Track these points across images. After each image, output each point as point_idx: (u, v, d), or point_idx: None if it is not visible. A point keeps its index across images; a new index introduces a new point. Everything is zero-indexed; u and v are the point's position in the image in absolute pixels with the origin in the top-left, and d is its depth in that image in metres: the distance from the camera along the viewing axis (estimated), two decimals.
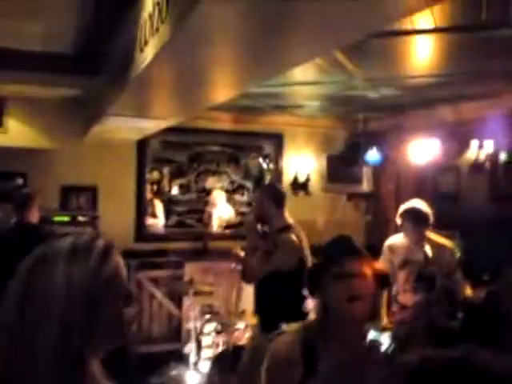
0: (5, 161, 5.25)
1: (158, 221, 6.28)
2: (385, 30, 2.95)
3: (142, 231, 6.05)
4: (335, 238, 1.82)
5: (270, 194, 3.50)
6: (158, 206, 6.30)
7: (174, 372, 4.70)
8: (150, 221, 6.21)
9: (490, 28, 3.00)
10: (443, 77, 4.09)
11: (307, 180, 6.54)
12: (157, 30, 2.38)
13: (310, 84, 4.33)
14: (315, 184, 6.63)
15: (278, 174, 6.61)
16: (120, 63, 3.32)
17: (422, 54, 3.52)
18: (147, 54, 2.58)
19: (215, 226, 6.22)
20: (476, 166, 5.16)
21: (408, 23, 2.96)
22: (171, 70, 2.55)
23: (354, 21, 1.83)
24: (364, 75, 3.99)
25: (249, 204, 6.54)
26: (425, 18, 2.91)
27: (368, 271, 1.69)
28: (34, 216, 4.25)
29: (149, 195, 6.26)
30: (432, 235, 4.03)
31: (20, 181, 5.47)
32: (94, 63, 4.22)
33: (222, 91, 2.96)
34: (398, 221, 4.04)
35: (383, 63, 3.80)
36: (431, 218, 3.96)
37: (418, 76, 4.10)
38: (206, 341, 4.78)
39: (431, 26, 2.97)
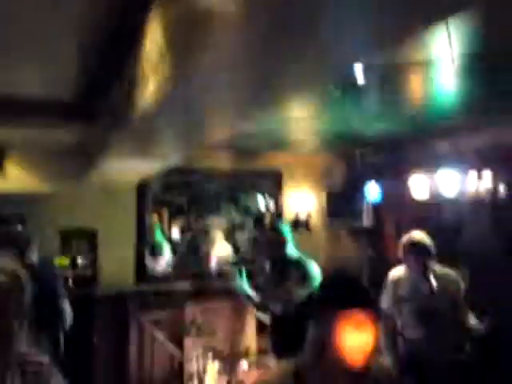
0: (3, 205, 5.24)
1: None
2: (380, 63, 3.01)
3: (142, 273, 6.00)
4: (343, 278, 1.76)
5: None
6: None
7: None
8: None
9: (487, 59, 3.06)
10: (439, 111, 4.15)
11: (308, 216, 6.53)
12: (157, 72, 2.43)
13: (307, 119, 4.38)
14: (316, 220, 6.62)
15: (278, 212, 6.61)
16: (120, 106, 3.36)
17: (417, 88, 3.58)
18: (147, 96, 2.61)
19: (214, 264, 6.18)
20: (476, 198, 5.17)
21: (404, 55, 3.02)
22: (171, 112, 2.58)
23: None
24: (360, 111, 4.04)
25: (248, 241, 6.52)
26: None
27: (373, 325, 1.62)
28: (32, 259, 4.24)
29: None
30: (436, 266, 3.99)
31: (19, 226, 5.45)
32: (95, 107, 4.27)
33: (223, 127, 2.99)
34: (400, 253, 4.02)
35: (379, 99, 3.85)
36: (433, 249, 3.94)
37: (412, 112, 4.16)
38: (208, 382, 4.68)
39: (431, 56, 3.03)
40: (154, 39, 2.44)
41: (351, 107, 3.91)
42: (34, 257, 4.23)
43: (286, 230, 4.04)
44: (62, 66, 3.62)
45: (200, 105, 2.49)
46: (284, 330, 3.52)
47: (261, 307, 4.11)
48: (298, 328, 3.09)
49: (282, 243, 3.96)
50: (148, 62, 2.57)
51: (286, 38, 1.60)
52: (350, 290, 1.67)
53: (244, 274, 4.02)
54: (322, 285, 1.82)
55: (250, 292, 4.02)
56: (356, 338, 1.59)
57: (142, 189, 5.99)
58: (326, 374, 1.64)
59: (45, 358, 1.45)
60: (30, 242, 4.27)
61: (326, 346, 1.63)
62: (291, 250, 4.04)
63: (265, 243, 3.94)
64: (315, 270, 3.68)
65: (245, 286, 4.02)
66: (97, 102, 4.14)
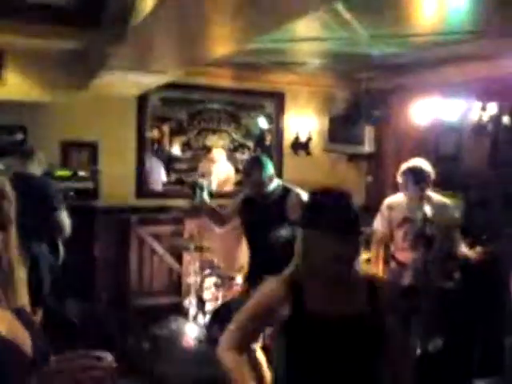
0: (4, 114, 5.22)
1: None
2: None
3: (142, 188, 6.08)
4: (337, 196, 1.80)
5: None
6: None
7: (173, 325, 4.80)
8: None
9: None
10: (449, 35, 4.02)
11: (308, 140, 6.51)
12: None
13: (312, 40, 4.25)
14: (316, 144, 6.60)
15: (278, 133, 6.58)
16: (120, 14, 3.27)
17: (428, 10, 3.45)
18: (147, 4, 2.54)
19: (214, 183, 6.23)
20: (478, 127, 5.13)
21: None
22: (171, 20, 2.50)
23: None
24: (368, 32, 3.92)
25: None
26: None
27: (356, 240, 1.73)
28: (34, 169, 4.29)
29: None
30: (432, 194, 4.05)
31: (20, 135, 5.46)
32: (95, 15, 4.14)
33: (223, 44, 2.92)
34: (399, 179, 4.06)
35: (388, 19, 3.72)
36: (432, 177, 3.98)
37: (423, 34, 4.03)
38: (205, 295, 4.87)
39: None
40: None
41: (357, 28, 3.79)
42: (34, 168, 4.27)
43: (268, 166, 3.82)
44: None
45: (200, 17, 2.42)
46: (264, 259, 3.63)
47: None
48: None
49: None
50: None
51: None
52: (344, 218, 1.72)
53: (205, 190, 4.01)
54: (311, 205, 1.85)
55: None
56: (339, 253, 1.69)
57: (142, 102, 5.93)
58: (322, 284, 1.75)
59: None
60: (33, 154, 4.31)
61: (311, 256, 1.74)
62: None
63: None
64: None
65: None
66: (98, 10, 4.03)
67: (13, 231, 1.41)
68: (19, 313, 1.36)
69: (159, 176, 6.49)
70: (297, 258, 1.79)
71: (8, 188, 1.46)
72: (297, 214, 3.27)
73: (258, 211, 3.74)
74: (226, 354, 1.78)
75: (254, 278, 3.45)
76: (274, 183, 3.76)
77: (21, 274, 1.47)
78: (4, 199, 1.42)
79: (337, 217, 1.70)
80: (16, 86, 5.14)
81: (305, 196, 3.58)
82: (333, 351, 1.70)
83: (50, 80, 5.17)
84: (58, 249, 4.29)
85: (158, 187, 6.40)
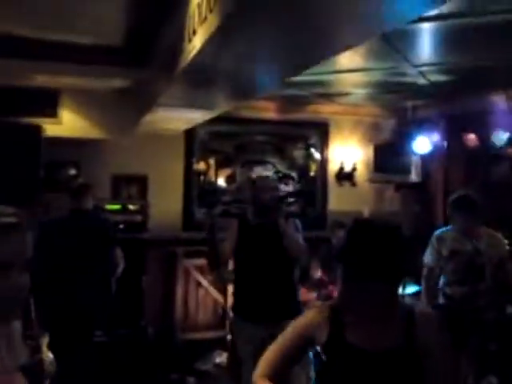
0: (59, 150, 5.44)
1: None
2: (432, 14, 2.90)
3: (189, 220, 6.17)
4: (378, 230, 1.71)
5: None
6: None
7: (218, 359, 4.77)
8: None
9: None
10: (493, 61, 3.97)
11: (353, 170, 6.48)
12: (205, 18, 2.43)
13: (356, 71, 4.29)
14: (361, 174, 6.56)
15: (323, 164, 6.58)
16: (169, 54, 3.39)
17: (469, 38, 3.43)
18: (195, 44, 2.63)
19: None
20: None
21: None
22: (219, 59, 2.59)
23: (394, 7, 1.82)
24: (414, 61, 3.92)
25: (294, 194, 6.54)
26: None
27: None
28: (89, 205, 4.43)
29: None
30: (483, 228, 3.94)
31: (73, 170, 5.68)
32: (144, 55, 4.32)
33: (270, 80, 2.98)
34: (448, 211, 3.98)
35: (433, 48, 3.72)
36: (480, 208, 3.87)
37: (467, 61, 4.00)
38: None
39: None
40: None
41: (402, 58, 3.80)
42: (89, 204, 4.39)
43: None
44: (113, 14, 3.67)
45: (248, 52, 2.49)
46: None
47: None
48: None
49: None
50: (196, 8, 2.57)
51: None
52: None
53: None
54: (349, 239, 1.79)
55: None
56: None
57: (189, 136, 6.07)
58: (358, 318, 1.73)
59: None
60: (86, 189, 4.43)
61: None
62: None
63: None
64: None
65: None
66: (147, 49, 4.19)
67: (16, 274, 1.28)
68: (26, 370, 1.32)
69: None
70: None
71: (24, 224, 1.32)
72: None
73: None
74: (260, 382, 1.76)
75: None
76: None
77: (17, 325, 1.40)
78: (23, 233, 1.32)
79: (374, 256, 1.64)
80: (71, 123, 5.39)
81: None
82: (366, 381, 1.68)
83: (103, 118, 5.39)
84: (110, 285, 4.33)
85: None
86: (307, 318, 1.82)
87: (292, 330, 1.83)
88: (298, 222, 3.70)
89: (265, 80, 3.00)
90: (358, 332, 1.71)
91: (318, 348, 1.76)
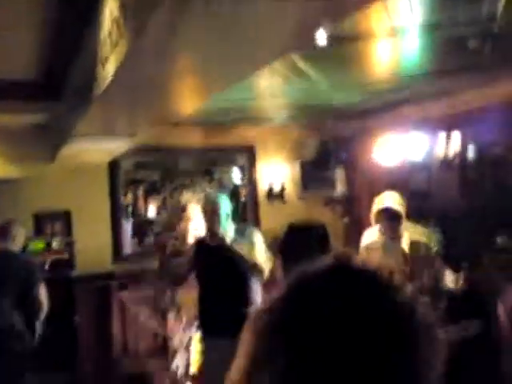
0: None
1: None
2: (341, 36, 3.01)
3: (119, 253, 5.99)
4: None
5: None
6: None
7: None
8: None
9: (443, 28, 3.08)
10: (404, 78, 4.18)
11: (282, 188, 6.56)
12: (116, 45, 2.39)
13: (275, 96, 4.38)
14: (291, 191, 6.66)
15: (252, 185, 6.62)
16: (83, 83, 3.31)
17: (381, 57, 3.59)
18: (108, 70, 2.58)
19: (191, 240, 6.16)
20: (445, 163, 5.25)
21: (366, 25, 3.03)
22: (133, 83, 2.55)
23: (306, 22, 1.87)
24: (327, 82, 4.05)
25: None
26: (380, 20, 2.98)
27: None
28: (9, 245, 4.20)
29: None
30: (409, 226, 4.05)
31: None
32: (58, 86, 4.19)
33: (187, 101, 2.97)
34: (373, 220, 4.08)
35: (344, 69, 3.86)
36: (404, 211, 3.99)
37: (379, 81, 4.18)
38: (196, 347, 4.71)
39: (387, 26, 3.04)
40: (111, 12, 2.40)
41: (318, 78, 3.92)
42: (13, 244, 4.17)
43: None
44: (22, 47, 3.55)
45: (162, 74, 2.47)
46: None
47: None
48: None
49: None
50: (107, 36, 2.54)
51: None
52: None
53: None
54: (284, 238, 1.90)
55: None
56: None
57: (113, 168, 5.93)
58: None
59: None
60: (9, 229, 4.21)
61: None
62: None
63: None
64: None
65: None
66: (59, 81, 4.08)
67: None
68: None
69: (128, 239, 6.36)
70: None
71: None
72: None
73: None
74: None
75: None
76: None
77: None
78: None
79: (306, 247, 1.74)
80: None
81: None
82: None
83: (18, 155, 5.16)
84: (34, 327, 4.12)
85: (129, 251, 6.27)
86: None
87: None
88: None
89: (182, 102, 2.99)
90: None
91: None
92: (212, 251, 3.77)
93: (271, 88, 4.17)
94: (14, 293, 3.95)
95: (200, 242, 3.94)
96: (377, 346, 0.62)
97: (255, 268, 3.74)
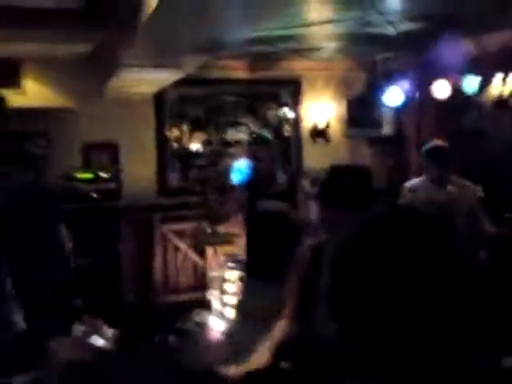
0: (25, 121, 5.29)
1: None
2: None
3: (164, 186, 6.10)
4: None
5: None
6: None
7: (198, 318, 4.80)
8: None
9: None
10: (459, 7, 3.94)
11: (327, 126, 6.44)
12: None
13: (325, 23, 4.20)
14: (335, 130, 6.53)
15: (296, 122, 6.52)
16: (129, 12, 3.26)
17: None
18: None
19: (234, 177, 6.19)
20: (499, 102, 5.01)
21: None
22: (177, 11, 2.49)
23: None
24: (381, 9, 3.85)
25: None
26: None
27: None
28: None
29: None
30: (454, 177, 3.97)
31: (42, 141, 5.52)
32: (105, 15, 4.16)
33: (234, 28, 2.90)
34: (422, 161, 4.00)
35: None
36: (452, 158, 3.90)
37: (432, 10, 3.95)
38: (230, 288, 4.86)
39: None
40: None
41: (370, 6, 3.73)
42: (43, 177, 4.15)
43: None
44: None
45: (211, 7, 2.40)
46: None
47: None
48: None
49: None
50: None
51: None
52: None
53: None
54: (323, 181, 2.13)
55: None
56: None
57: (159, 100, 5.95)
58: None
59: None
60: (38, 161, 4.17)
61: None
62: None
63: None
64: None
65: None
66: (107, 9, 4.04)
67: None
68: None
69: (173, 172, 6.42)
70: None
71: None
72: None
73: None
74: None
75: None
76: None
77: None
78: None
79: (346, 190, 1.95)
80: (35, 93, 5.22)
81: None
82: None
83: (68, 85, 5.23)
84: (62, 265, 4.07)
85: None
86: (298, 259, 2.16)
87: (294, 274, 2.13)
88: None
89: (228, 30, 2.92)
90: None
91: None
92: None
93: (319, 15, 4.00)
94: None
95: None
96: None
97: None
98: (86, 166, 5.62)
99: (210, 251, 5.66)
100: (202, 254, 5.89)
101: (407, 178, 4.52)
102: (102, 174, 5.42)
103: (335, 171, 2.13)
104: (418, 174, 4.31)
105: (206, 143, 6.52)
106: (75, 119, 5.56)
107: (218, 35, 2.88)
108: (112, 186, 5.42)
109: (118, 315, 4.98)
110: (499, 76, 4.90)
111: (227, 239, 5.10)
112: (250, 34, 3.11)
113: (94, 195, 5.21)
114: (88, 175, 5.35)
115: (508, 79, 4.86)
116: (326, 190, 2.01)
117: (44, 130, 5.49)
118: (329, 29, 4.49)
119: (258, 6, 2.33)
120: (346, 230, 0.78)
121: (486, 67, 4.91)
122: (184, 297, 5.71)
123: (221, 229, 5.23)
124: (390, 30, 4.47)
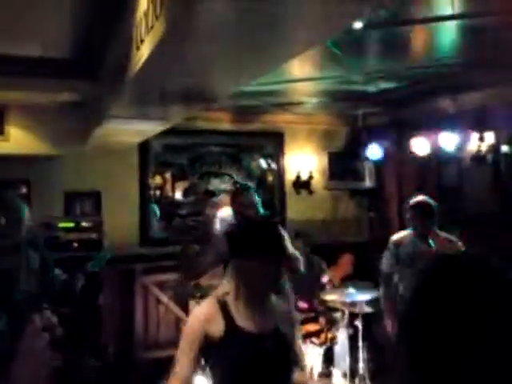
0: (8, 169, 5.26)
1: None
2: (382, 21, 2.96)
3: (146, 235, 6.05)
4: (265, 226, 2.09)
5: None
6: None
7: None
8: None
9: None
10: (442, 67, 4.09)
11: (310, 178, 6.53)
12: (152, 27, 2.39)
13: (308, 80, 4.33)
14: (318, 182, 6.61)
15: (279, 173, 6.60)
16: (118, 64, 3.33)
17: (420, 44, 3.52)
18: (143, 53, 2.59)
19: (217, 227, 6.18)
20: (478, 157, 5.14)
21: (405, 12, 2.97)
22: (167, 67, 2.55)
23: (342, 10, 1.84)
24: (362, 69, 3.99)
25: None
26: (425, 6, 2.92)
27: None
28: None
29: None
30: (438, 231, 4.01)
31: (23, 188, 5.49)
32: (93, 67, 4.23)
33: (220, 88, 2.96)
34: (407, 214, 4.05)
35: (381, 55, 3.79)
36: (436, 212, 3.96)
37: (416, 67, 4.10)
38: None
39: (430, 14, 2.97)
40: None
41: (352, 66, 3.86)
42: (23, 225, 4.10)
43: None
44: (60, 25, 3.59)
45: (196, 60, 2.46)
46: None
47: None
48: None
49: None
50: (144, 19, 2.54)
51: None
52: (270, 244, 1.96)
53: None
54: (233, 233, 2.15)
55: None
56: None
57: (143, 149, 5.99)
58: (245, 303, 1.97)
59: None
60: (19, 209, 4.12)
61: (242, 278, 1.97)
62: None
63: None
64: None
65: None
66: (96, 61, 4.11)
67: None
68: None
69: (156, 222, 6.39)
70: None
71: None
72: None
73: None
74: None
75: None
76: None
77: None
78: None
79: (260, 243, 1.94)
80: (18, 140, 5.21)
81: None
82: (256, 362, 1.90)
83: (52, 133, 5.24)
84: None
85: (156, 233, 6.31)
86: (199, 318, 2.01)
87: (189, 335, 2.04)
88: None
89: (215, 88, 2.98)
90: (244, 317, 1.96)
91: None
92: None
93: (303, 73, 4.13)
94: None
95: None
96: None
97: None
98: (68, 214, 5.57)
99: (192, 304, 5.55)
100: (184, 306, 5.76)
101: (388, 230, 4.57)
102: (84, 223, 5.36)
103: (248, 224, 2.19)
104: (400, 227, 4.35)
105: (189, 192, 6.53)
106: (58, 167, 5.55)
107: (206, 90, 2.95)
108: (93, 235, 5.35)
109: (98, 372, 4.84)
110: (475, 133, 5.04)
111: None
112: (235, 88, 3.18)
113: (75, 245, 5.14)
114: (70, 224, 5.29)
115: (485, 136, 5.00)
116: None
117: (26, 178, 5.47)
118: (311, 85, 4.62)
119: (244, 68, 2.41)
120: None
121: (463, 125, 5.06)
122: (165, 353, 5.54)
123: (203, 281, 5.15)
124: (371, 88, 4.61)
